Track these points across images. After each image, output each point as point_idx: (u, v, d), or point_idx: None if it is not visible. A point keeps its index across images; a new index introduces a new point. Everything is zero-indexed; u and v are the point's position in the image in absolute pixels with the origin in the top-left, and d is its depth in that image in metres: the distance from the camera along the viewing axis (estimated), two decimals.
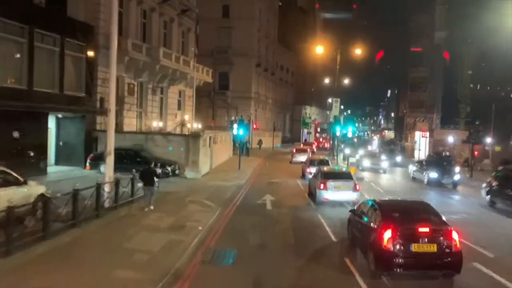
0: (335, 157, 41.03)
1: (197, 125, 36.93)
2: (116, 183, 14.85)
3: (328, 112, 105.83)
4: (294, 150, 39.50)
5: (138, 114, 30.40)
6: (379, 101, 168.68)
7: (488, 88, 59.87)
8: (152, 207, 15.17)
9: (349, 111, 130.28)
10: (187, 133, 26.06)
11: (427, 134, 49.85)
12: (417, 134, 53.28)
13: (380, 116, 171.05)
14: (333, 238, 12.84)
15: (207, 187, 21.39)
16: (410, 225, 9.19)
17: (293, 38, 73.46)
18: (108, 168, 14.39)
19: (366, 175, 30.94)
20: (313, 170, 23.47)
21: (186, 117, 37.07)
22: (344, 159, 37.80)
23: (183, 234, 12.17)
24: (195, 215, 14.79)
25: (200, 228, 12.95)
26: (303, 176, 26.91)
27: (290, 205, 17.96)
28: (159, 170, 19.11)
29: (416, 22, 55.15)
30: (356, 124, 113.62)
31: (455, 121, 61.20)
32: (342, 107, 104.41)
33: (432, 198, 20.76)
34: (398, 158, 44.97)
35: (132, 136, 25.19)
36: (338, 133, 37.89)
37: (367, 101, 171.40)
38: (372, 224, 9.99)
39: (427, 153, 50.23)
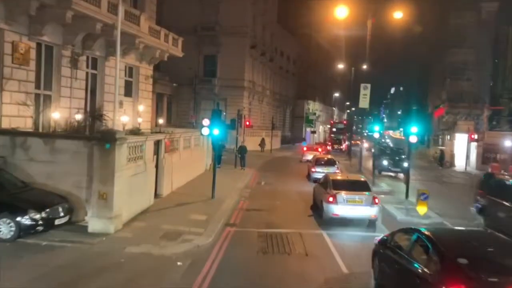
0: (361, 168, 29.07)
1: (142, 120, 24.01)
2: None
3: (334, 108, 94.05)
4: (305, 149, 38.46)
5: (42, 100, 17.55)
6: (381, 99, 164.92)
7: None
8: None
9: (353, 109, 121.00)
10: (101, 133, 12.79)
11: (476, 136, 37.20)
12: (459, 136, 40.47)
13: (383, 115, 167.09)
14: None
15: (110, 271, 8.69)
16: (490, 279, 6.09)
17: (295, 20, 62.23)
18: None
19: None
20: (318, 169, 23.02)
21: (141, 107, 24.44)
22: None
23: None
24: None
25: None
26: (308, 176, 24.82)
27: None
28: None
29: None
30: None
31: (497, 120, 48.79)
32: (348, 103, 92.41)
33: None
34: None
35: None
36: (377, 135, 24.87)
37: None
38: (422, 272, 6.84)
39: (475, 161, 37.90)
